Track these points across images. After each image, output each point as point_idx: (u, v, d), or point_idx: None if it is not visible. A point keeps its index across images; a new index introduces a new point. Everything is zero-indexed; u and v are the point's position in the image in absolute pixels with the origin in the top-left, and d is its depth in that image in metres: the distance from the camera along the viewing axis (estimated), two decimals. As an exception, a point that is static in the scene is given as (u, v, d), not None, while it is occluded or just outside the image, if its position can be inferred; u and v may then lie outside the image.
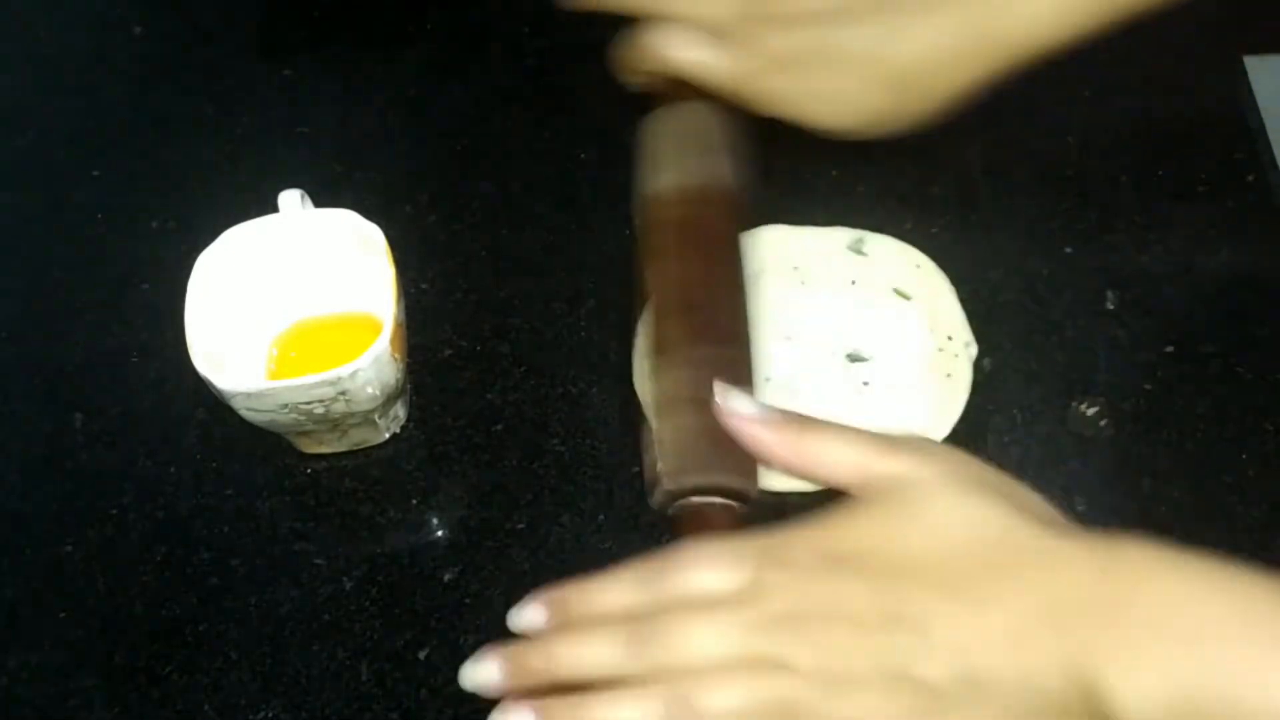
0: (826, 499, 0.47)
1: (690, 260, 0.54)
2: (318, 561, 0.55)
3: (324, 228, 0.56)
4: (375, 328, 0.52)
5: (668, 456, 0.49)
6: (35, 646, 0.54)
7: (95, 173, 0.68)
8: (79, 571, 0.55)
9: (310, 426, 0.54)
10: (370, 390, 0.52)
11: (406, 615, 0.53)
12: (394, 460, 0.57)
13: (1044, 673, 0.40)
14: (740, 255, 0.55)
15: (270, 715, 0.51)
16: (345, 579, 0.54)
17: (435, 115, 0.69)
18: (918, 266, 0.59)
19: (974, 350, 0.57)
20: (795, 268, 0.59)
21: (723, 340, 0.52)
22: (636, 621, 0.43)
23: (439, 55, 0.71)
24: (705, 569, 0.44)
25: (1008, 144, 0.64)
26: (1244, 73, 0.65)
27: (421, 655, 0.52)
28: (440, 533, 0.56)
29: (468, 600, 0.53)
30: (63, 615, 0.54)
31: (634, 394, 0.57)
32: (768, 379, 0.56)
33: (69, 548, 0.56)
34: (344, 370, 0.50)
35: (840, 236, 0.60)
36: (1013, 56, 0.54)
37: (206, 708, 0.52)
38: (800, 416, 0.48)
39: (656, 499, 0.50)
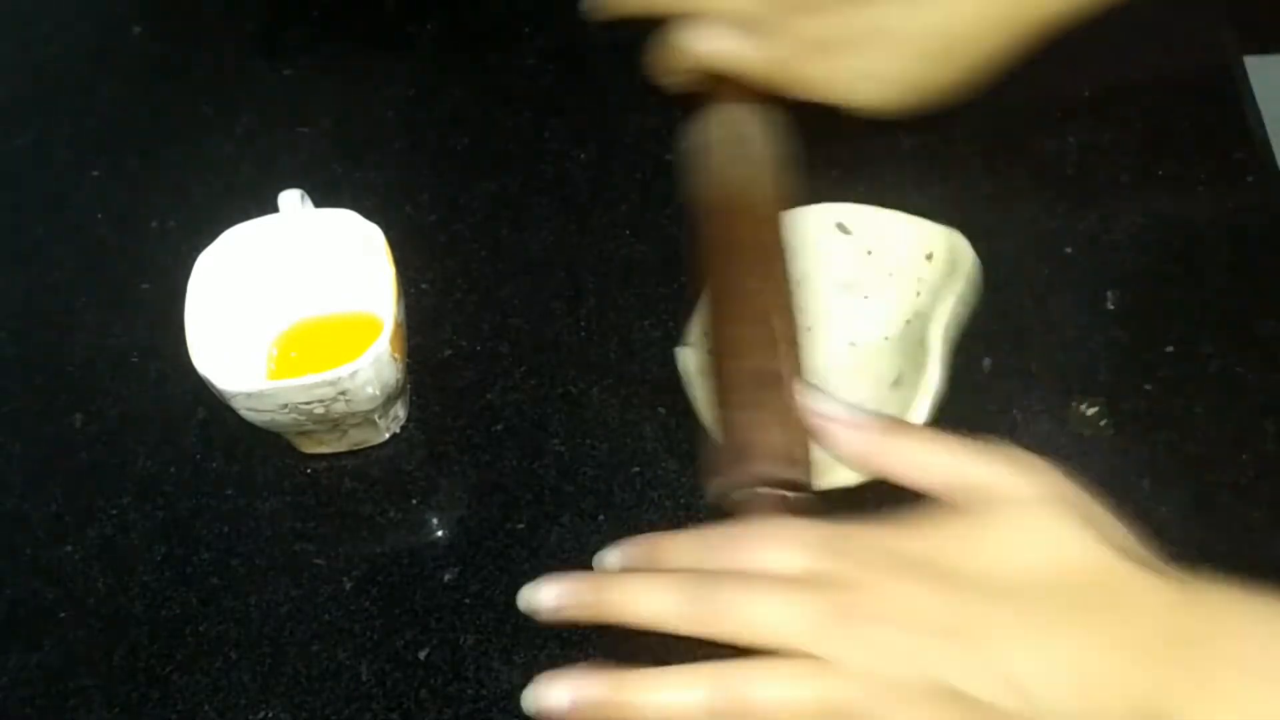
0: (876, 493, 0.48)
1: (744, 266, 0.53)
2: (318, 561, 0.55)
3: (324, 228, 0.56)
4: (375, 328, 0.52)
5: (725, 448, 0.49)
6: (35, 646, 0.54)
7: (95, 173, 0.68)
8: (79, 571, 0.55)
9: (310, 426, 0.54)
10: (370, 390, 0.52)
11: (406, 615, 0.53)
12: (394, 460, 0.57)
13: (1110, 709, 0.39)
14: (788, 254, 0.55)
15: (270, 715, 0.51)
16: (345, 579, 0.54)
17: (435, 115, 0.69)
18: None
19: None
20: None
21: (776, 341, 0.52)
22: (699, 580, 0.43)
23: (439, 55, 0.71)
24: (774, 547, 0.43)
25: (1008, 144, 0.64)
26: (1244, 73, 0.65)
27: (421, 655, 0.52)
28: (440, 533, 0.56)
29: (468, 600, 0.53)
30: (63, 615, 0.54)
31: (679, 389, 0.57)
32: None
33: (69, 548, 0.56)
34: (344, 370, 0.50)
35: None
36: (1044, 21, 0.55)
37: (206, 708, 0.52)
38: (885, 418, 0.48)
39: (712, 491, 0.50)
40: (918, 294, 0.58)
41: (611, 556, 0.47)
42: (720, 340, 0.52)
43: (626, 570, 0.46)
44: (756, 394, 0.50)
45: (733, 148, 0.57)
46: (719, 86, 0.59)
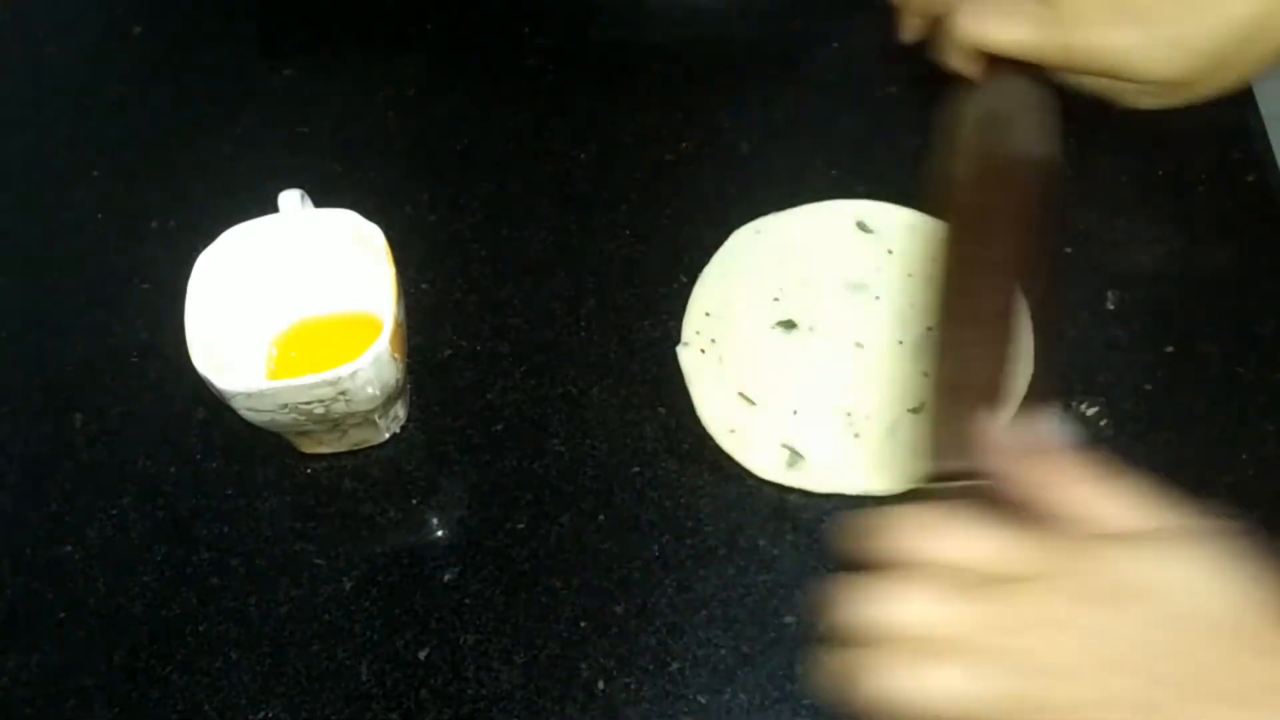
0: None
1: (1007, 244, 0.52)
2: (318, 561, 0.55)
3: (324, 228, 0.56)
4: (375, 328, 0.52)
5: (952, 433, 0.48)
6: (35, 646, 0.54)
7: (95, 173, 0.68)
8: (79, 571, 0.55)
9: (310, 426, 0.54)
10: (370, 390, 0.52)
11: (406, 615, 0.53)
12: (394, 460, 0.57)
13: None
14: (1046, 234, 0.53)
15: (270, 715, 0.51)
16: (345, 579, 0.54)
17: (435, 115, 0.69)
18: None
19: None
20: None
21: (1007, 336, 0.50)
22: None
23: (439, 55, 0.71)
24: (990, 548, 0.42)
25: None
26: (1244, 73, 0.65)
27: (421, 655, 0.52)
28: (440, 533, 0.56)
29: (468, 600, 0.53)
30: (63, 615, 0.54)
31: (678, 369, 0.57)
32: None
33: (69, 548, 0.56)
34: (344, 370, 0.50)
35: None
36: None
37: (206, 708, 0.52)
38: (1070, 457, 0.46)
39: (929, 471, 0.48)
40: None
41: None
42: (954, 322, 0.51)
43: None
44: (984, 385, 0.48)
45: (1002, 120, 0.56)
46: (995, 64, 0.58)
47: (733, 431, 0.56)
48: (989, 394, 0.48)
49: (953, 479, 0.47)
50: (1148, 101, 0.57)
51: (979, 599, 0.41)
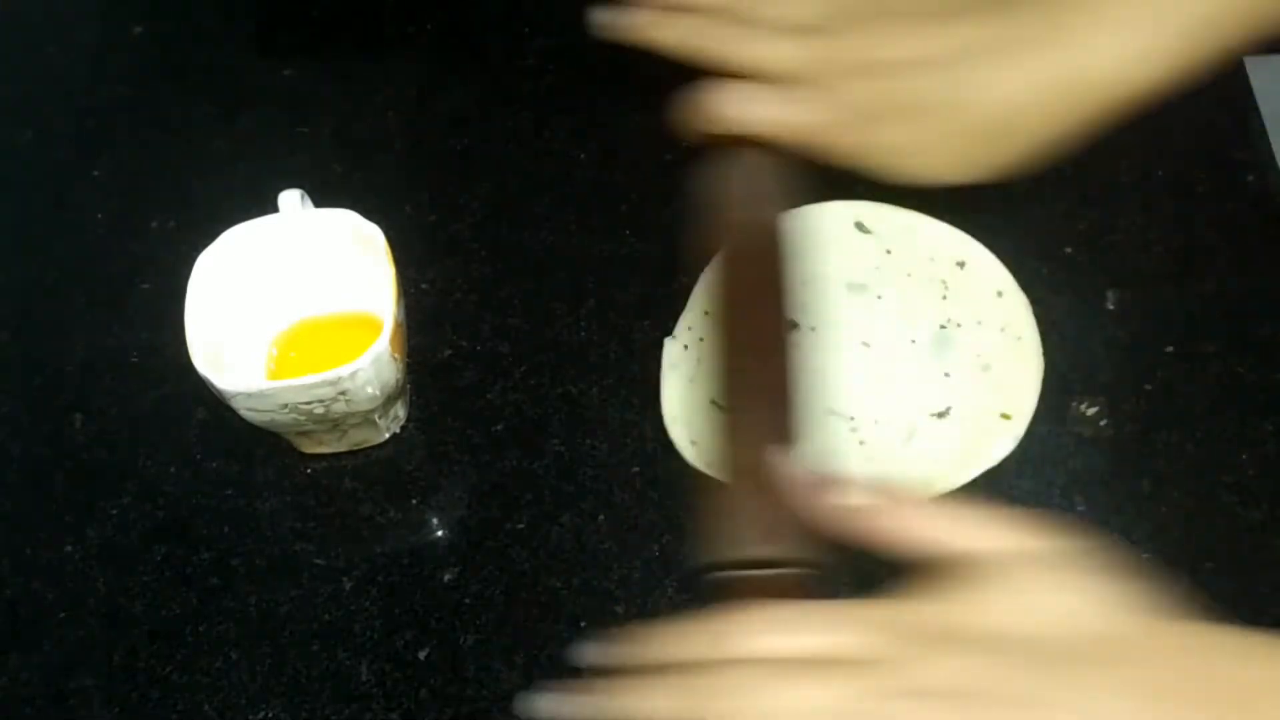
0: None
1: (759, 319, 0.51)
2: (318, 561, 0.55)
3: (324, 228, 0.56)
4: (375, 328, 0.52)
5: (721, 526, 0.47)
6: (35, 646, 0.54)
7: (95, 173, 0.68)
8: (79, 571, 0.55)
9: (310, 426, 0.54)
10: (370, 390, 0.52)
11: (406, 615, 0.53)
12: (394, 460, 0.57)
13: None
14: (788, 305, 0.53)
15: (270, 715, 0.51)
16: (345, 579, 0.54)
17: (435, 115, 0.69)
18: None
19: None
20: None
21: (781, 399, 0.49)
22: (709, 674, 0.41)
23: (439, 55, 0.71)
24: (811, 630, 0.42)
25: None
26: (1244, 73, 0.65)
27: (421, 655, 0.52)
28: (440, 533, 0.56)
29: (468, 600, 0.53)
30: (63, 615, 0.54)
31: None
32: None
33: (69, 548, 0.56)
34: (344, 370, 0.50)
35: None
36: (1101, 102, 0.51)
37: (206, 708, 0.52)
38: (880, 486, 0.46)
39: (702, 567, 0.47)
40: (944, 297, 0.58)
41: (594, 653, 0.45)
42: (729, 403, 0.50)
43: (624, 672, 0.43)
44: (756, 463, 0.47)
45: (746, 199, 0.54)
46: (740, 141, 0.56)
47: (694, 444, 0.55)
48: (776, 474, 0.47)
49: (761, 566, 0.46)
50: (916, 185, 0.55)
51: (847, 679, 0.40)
